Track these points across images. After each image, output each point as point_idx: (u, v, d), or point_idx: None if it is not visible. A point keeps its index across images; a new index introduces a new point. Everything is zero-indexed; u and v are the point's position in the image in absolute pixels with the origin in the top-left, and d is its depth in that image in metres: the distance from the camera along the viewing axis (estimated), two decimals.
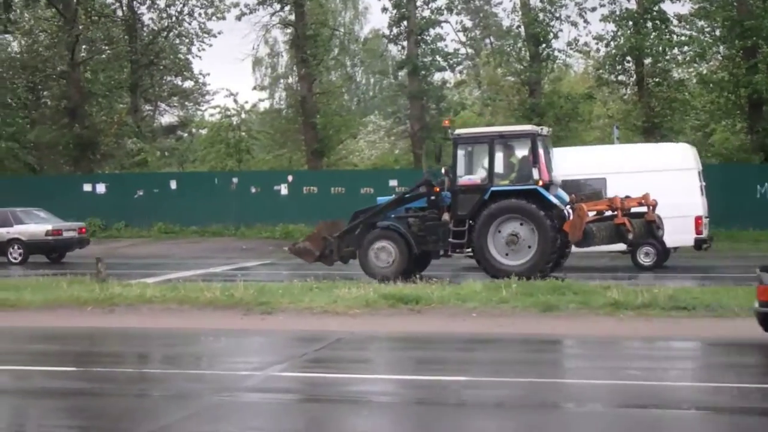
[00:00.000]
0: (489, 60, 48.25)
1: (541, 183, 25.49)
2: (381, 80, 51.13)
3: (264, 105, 59.54)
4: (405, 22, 45.41)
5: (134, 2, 54.50)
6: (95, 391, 14.25)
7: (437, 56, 45.70)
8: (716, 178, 35.91)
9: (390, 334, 18.86)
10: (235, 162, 51.86)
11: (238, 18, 48.84)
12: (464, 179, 26.38)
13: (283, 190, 42.72)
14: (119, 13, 55.34)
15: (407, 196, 27.77)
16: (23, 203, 43.19)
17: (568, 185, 27.31)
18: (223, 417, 12.44)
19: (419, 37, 45.44)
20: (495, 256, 25.60)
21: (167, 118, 65.09)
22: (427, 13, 45.71)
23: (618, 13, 43.66)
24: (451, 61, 46.37)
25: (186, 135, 67.04)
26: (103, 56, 56.02)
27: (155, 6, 54.38)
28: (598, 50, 46.70)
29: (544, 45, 44.79)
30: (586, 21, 44.50)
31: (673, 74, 47.25)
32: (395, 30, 45.94)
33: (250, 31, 60.08)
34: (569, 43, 45.41)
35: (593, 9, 44.36)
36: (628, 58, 44.62)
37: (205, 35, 55.66)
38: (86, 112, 53.45)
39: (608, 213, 25.73)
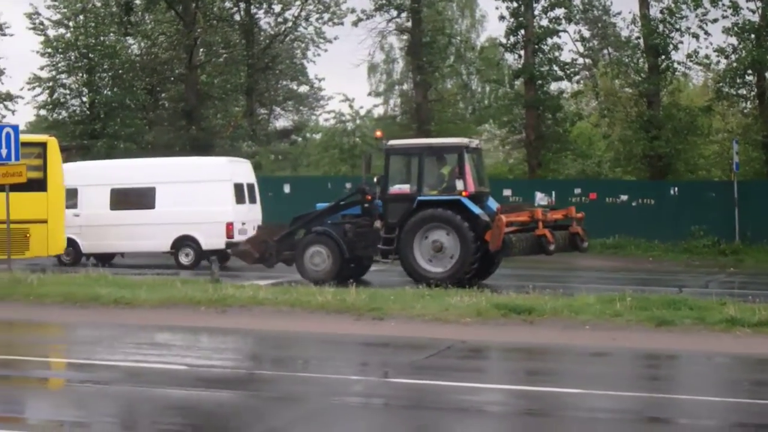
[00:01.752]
0: (607, 70, 47.75)
1: (465, 194, 26.56)
2: (497, 89, 50.89)
3: (378, 111, 59.73)
4: (522, 31, 45.14)
5: (252, 7, 54.96)
6: (204, 391, 14.32)
7: (554, 66, 45.38)
8: None
9: (501, 343, 18.71)
10: (349, 167, 51.98)
11: (355, 24, 49.04)
12: (395, 188, 27.65)
13: None
14: (237, 17, 55.83)
15: (342, 203, 29.00)
16: None
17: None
18: (331, 421, 12.40)
19: (536, 47, 45.14)
20: (420, 262, 26.69)
21: (282, 122, 65.62)
22: (545, 22, 45.43)
23: (740, 25, 42.87)
24: (569, 71, 45.97)
25: (300, 139, 67.41)
26: (220, 60, 56.55)
27: (272, 11, 54.85)
28: (718, 63, 45.97)
29: (663, 56, 44.19)
30: (707, 33, 43.77)
31: None
32: (512, 39, 45.68)
33: (366, 36, 60.12)
34: (689, 55, 44.70)
35: (714, 20, 43.64)
36: (749, 71, 43.82)
37: (321, 40, 56.01)
38: (202, 114, 54.02)
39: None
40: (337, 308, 21.12)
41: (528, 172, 46.73)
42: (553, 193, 41.73)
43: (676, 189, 41.60)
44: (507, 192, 41.73)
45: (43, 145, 28.49)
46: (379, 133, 33.22)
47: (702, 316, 19.79)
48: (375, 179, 28.35)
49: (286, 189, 44.85)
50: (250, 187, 35.25)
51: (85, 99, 55.84)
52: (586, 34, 47.28)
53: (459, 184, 26.81)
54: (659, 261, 37.84)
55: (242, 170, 35.18)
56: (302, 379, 15.27)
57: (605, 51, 49.52)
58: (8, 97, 52.96)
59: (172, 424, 12.52)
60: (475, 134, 55.74)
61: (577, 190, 41.77)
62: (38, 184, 27.19)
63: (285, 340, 19.30)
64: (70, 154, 54.19)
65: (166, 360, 16.99)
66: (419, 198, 26.94)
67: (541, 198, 41.37)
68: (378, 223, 27.42)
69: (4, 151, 26.03)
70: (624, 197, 41.50)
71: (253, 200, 35.15)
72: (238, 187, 33.89)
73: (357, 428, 12.21)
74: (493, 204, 27.70)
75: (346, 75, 76.48)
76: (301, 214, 29.46)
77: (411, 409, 13.53)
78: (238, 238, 32.38)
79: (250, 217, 34.19)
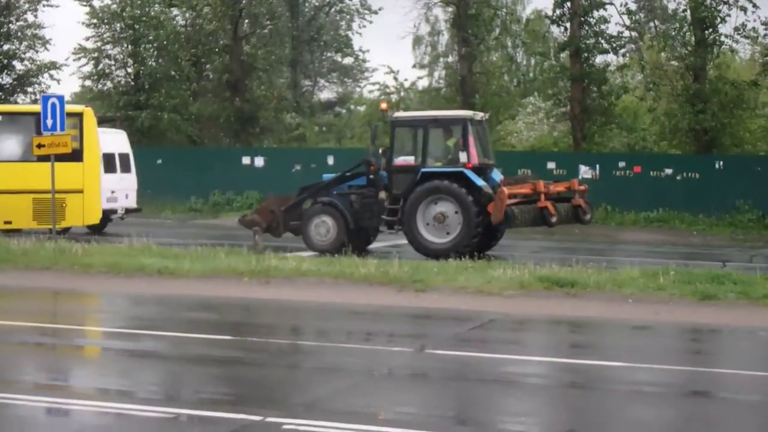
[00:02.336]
0: (653, 44, 47.37)
1: (469, 166, 26.72)
2: (542, 61, 50.57)
3: (423, 83, 59.61)
4: (568, 4, 44.86)
5: None
6: (250, 360, 14.42)
7: (600, 39, 45.08)
8: None
9: (544, 316, 18.69)
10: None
11: None
12: (399, 160, 27.83)
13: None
14: None
15: (347, 174, 29.05)
16: (184, 174, 44.10)
17: None
18: (374, 392, 12.46)
19: (582, 19, 44.86)
20: (423, 233, 26.92)
21: (326, 94, 65.70)
22: None
23: None
24: (615, 44, 45.58)
25: (344, 111, 67.43)
26: (265, 31, 56.62)
27: None
28: (766, 36, 45.51)
29: (710, 29, 43.81)
30: (755, 6, 43.30)
31: None
32: (558, 11, 45.42)
33: (411, 8, 60.33)
34: (736, 29, 44.25)
35: None
36: None
37: (366, 12, 56.02)
38: (247, 86, 54.13)
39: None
40: (380, 280, 21.13)
41: (573, 146, 46.52)
42: (598, 166, 41.59)
43: (722, 163, 41.31)
44: (551, 165, 41.62)
45: (80, 116, 28.65)
46: (384, 106, 33.29)
47: (746, 290, 19.67)
48: (380, 151, 28.51)
49: (330, 161, 44.83)
50: (123, 156, 35.83)
51: (129, 70, 56.03)
52: (633, 6, 46.89)
53: (462, 156, 27.01)
54: (703, 235, 37.65)
55: (114, 140, 35.55)
56: (345, 350, 15.31)
57: (652, 24, 49.23)
58: (53, 66, 53.26)
59: (215, 393, 12.61)
60: (520, 107, 55.63)
61: (622, 164, 41.60)
62: (74, 155, 27.33)
63: (328, 311, 19.35)
64: (114, 125, 54.60)
65: (210, 330, 17.09)
66: (423, 170, 27.15)
67: (585, 171, 41.24)
68: (383, 194, 27.64)
69: (50, 122, 26.21)
70: (669, 171, 41.27)
71: (126, 169, 35.74)
72: (108, 157, 34.00)
73: (399, 400, 12.24)
74: (497, 176, 27.88)
75: (391, 47, 76.55)
76: (308, 185, 29.86)
77: (453, 381, 13.55)
78: (106, 205, 32.87)
79: (121, 186, 34.95)
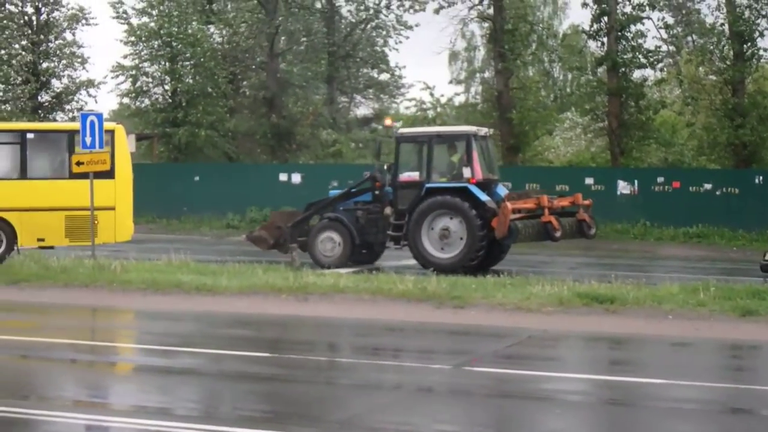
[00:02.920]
0: (691, 58, 47.18)
1: (473, 181, 26.95)
2: (579, 76, 50.39)
3: (459, 99, 59.51)
4: (605, 18, 44.72)
5: None
6: (288, 377, 14.39)
7: (638, 53, 44.90)
8: None
9: (583, 333, 18.59)
10: None
11: (437, 11, 48.86)
12: (404, 175, 28.05)
13: None
14: (318, 5, 55.98)
15: (353, 190, 29.20)
16: (221, 190, 44.18)
17: None
18: (412, 409, 12.40)
19: (620, 34, 44.69)
20: (427, 248, 27.07)
21: (362, 110, 65.64)
22: (628, 9, 44.92)
23: None
24: (652, 59, 45.38)
25: (380, 127, 67.43)
26: (302, 47, 56.76)
27: None
28: None
29: (748, 43, 43.59)
30: None
31: None
32: (595, 26, 45.28)
33: (447, 24, 60.10)
34: None
35: None
36: None
37: (402, 28, 55.97)
38: (283, 102, 54.24)
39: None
40: (418, 296, 21.09)
41: (610, 161, 46.35)
42: (636, 181, 41.39)
43: (761, 177, 40.97)
44: (589, 180, 41.42)
45: (111, 133, 28.72)
46: (388, 122, 35.32)
47: None
48: (385, 166, 28.73)
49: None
50: None
51: (167, 87, 56.26)
52: (670, 21, 46.65)
53: (466, 172, 27.12)
54: (743, 250, 37.35)
55: None
56: (383, 367, 15.28)
57: (689, 38, 48.88)
58: (91, 84, 53.55)
59: (253, 410, 12.59)
60: (558, 122, 55.44)
61: (660, 179, 41.36)
62: (106, 172, 27.41)
63: (366, 328, 19.32)
64: (152, 142, 54.85)
65: (248, 347, 17.07)
66: (427, 185, 27.32)
67: (623, 186, 41.06)
68: (388, 210, 27.81)
69: (88, 139, 26.31)
70: (708, 186, 40.98)
71: None
72: None
73: (437, 417, 12.18)
74: (502, 191, 28.04)
75: (427, 63, 76.39)
76: (314, 201, 30.00)
77: (492, 397, 13.49)
78: None
79: None
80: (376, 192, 28.39)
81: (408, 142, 28.86)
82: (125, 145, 29.92)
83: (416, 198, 27.31)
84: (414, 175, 27.97)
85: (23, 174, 29.05)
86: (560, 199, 28.53)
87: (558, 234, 27.01)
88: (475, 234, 26.49)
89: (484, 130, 29.10)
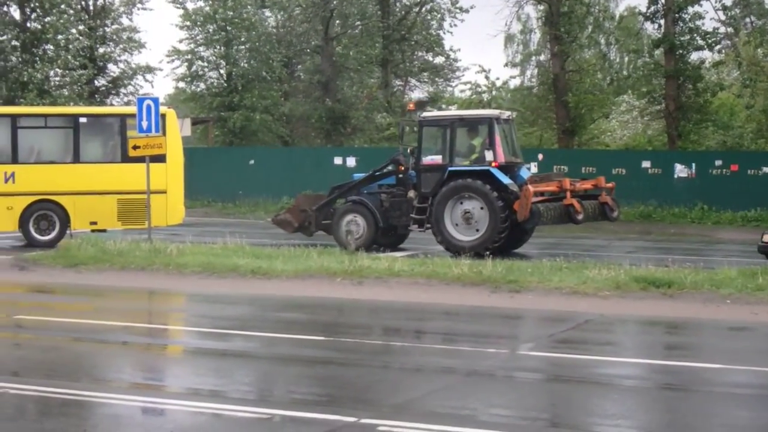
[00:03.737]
0: (749, 40, 46.69)
1: (495, 164, 26.99)
2: (635, 59, 50.01)
3: (515, 82, 59.26)
4: (662, 0, 44.35)
5: None
6: (342, 361, 14.35)
7: (695, 35, 44.49)
8: None
9: (640, 317, 18.43)
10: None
11: None
12: (427, 159, 28.24)
13: (533, 167, 42.42)
14: None
15: (377, 173, 29.46)
16: (276, 174, 44.25)
17: None
18: (468, 394, 12.32)
19: (677, 15, 44.28)
20: (450, 231, 27.20)
21: (417, 94, 65.46)
22: None
23: None
24: (710, 41, 44.96)
25: (435, 111, 67.26)
26: (356, 31, 56.70)
27: None
28: None
29: None
30: None
31: None
32: (652, 7, 44.89)
33: (503, 6, 59.90)
34: None
35: None
36: None
37: (457, 11, 55.79)
38: (338, 86, 54.23)
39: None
40: (473, 280, 21.01)
41: (667, 144, 45.97)
42: (694, 165, 41.01)
43: None
44: (646, 164, 41.12)
45: (163, 117, 28.87)
46: (411, 106, 35.73)
47: None
48: (409, 150, 28.82)
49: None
50: None
51: (222, 71, 56.50)
52: (728, 2, 46.11)
53: (488, 155, 27.18)
54: None
55: None
56: (438, 351, 15.24)
57: (748, 19, 48.32)
58: (148, 69, 53.78)
59: (309, 394, 12.56)
60: (614, 105, 55.07)
61: (718, 162, 40.96)
62: (158, 156, 27.56)
63: (421, 312, 19.27)
64: (207, 126, 55.07)
65: (303, 330, 17.07)
66: (449, 168, 27.47)
67: (680, 170, 40.73)
68: (412, 193, 27.98)
69: (144, 123, 26.44)
70: (766, 169, 40.55)
71: None
72: None
73: (494, 401, 12.11)
74: (525, 174, 28.13)
75: (482, 46, 76.10)
76: (339, 184, 30.26)
77: (548, 382, 13.42)
78: None
79: None
80: (400, 175, 28.61)
81: (431, 125, 29.01)
82: (176, 129, 30.14)
83: (439, 181, 27.43)
84: (437, 159, 28.09)
85: (76, 158, 29.31)
86: (583, 182, 28.79)
87: (580, 217, 27.08)
88: (498, 217, 26.54)
89: (506, 114, 29.25)
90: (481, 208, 26.87)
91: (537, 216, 26.21)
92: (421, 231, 28.21)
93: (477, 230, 26.95)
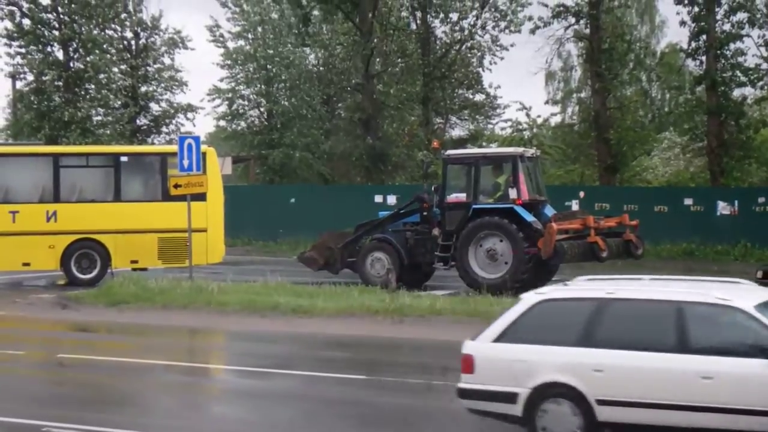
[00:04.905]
0: None
1: (518, 202, 26.87)
2: (677, 95, 49.71)
3: (556, 119, 59.10)
4: (704, 36, 44.09)
5: (428, 16, 55.01)
6: (383, 400, 14.26)
7: (737, 71, 44.22)
8: None
9: None
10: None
11: (532, 32, 48.47)
12: (452, 197, 28.11)
13: (574, 205, 42.20)
14: (413, 26, 55.95)
15: (402, 211, 29.80)
16: (317, 211, 44.25)
17: None
18: None
19: (719, 52, 44.02)
20: (474, 269, 27.02)
21: (458, 131, 65.41)
22: (727, 27, 44.21)
23: None
24: (752, 77, 44.65)
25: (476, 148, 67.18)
26: (397, 69, 56.78)
27: (448, 19, 54.73)
28: None
29: None
30: None
31: None
32: (694, 44, 44.64)
33: (543, 44, 59.42)
34: None
35: None
36: None
37: (497, 48, 55.75)
38: (379, 124, 54.30)
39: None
40: None
41: (710, 181, 45.68)
42: (736, 202, 40.66)
43: None
44: (688, 201, 40.78)
45: (203, 155, 28.97)
46: (436, 144, 35.41)
47: None
48: (433, 188, 28.85)
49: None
50: None
51: (262, 109, 56.73)
52: None
53: (512, 193, 27.08)
54: None
55: None
56: None
57: None
58: (189, 108, 53.99)
59: (348, 429, 12.47)
60: (656, 142, 54.81)
61: (761, 199, 40.57)
62: (198, 194, 27.62)
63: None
64: (248, 164, 55.24)
65: (344, 369, 17.00)
66: (474, 206, 27.31)
67: (723, 207, 40.41)
68: (436, 231, 27.88)
69: (185, 162, 26.49)
70: None
71: None
72: None
73: None
74: (549, 211, 27.91)
75: (523, 83, 75.97)
76: (364, 222, 30.24)
77: None
78: None
79: None
80: (424, 213, 28.55)
81: (455, 163, 28.98)
82: (216, 167, 30.24)
83: (463, 219, 27.31)
84: (461, 197, 28.04)
85: (117, 196, 29.44)
86: (607, 219, 28.61)
87: (604, 254, 26.98)
88: (521, 254, 26.46)
89: (531, 151, 29.23)
90: (505, 246, 26.79)
91: (561, 253, 26.12)
92: (445, 269, 28.13)
93: (501, 268, 26.82)
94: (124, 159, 30.04)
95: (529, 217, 26.84)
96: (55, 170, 29.22)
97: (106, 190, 29.85)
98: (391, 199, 44.50)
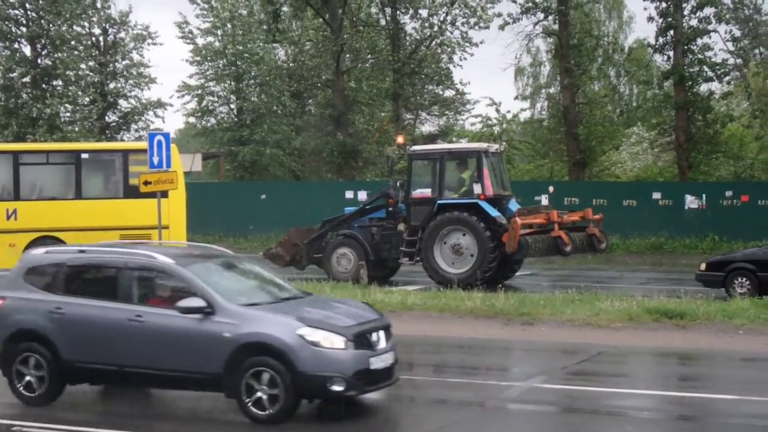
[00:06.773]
0: (758, 71, 46.74)
1: (483, 197, 27.00)
2: (645, 90, 50.01)
3: (525, 115, 59.34)
4: (671, 32, 44.36)
5: (398, 12, 55.11)
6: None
7: (704, 66, 44.51)
8: None
9: (653, 348, 18.41)
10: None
11: (501, 27, 48.59)
12: (417, 192, 28.37)
13: (544, 200, 42.37)
14: (383, 22, 56.04)
15: (367, 207, 29.83)
16: (287, 208, 44.31)
17: None
18: (483, 426, 12.37)
19: (686, 47, 44.29)
20: (440, 264, 27.23)
21: (428, 127, 65.58)
22: (694, 22, 44.50)
23: None
24: (719, 72, 44.96)
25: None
26: (367, 65, 56.85)
27: (418, 16, 54.86)
28: None
29: None
30: None
31: None
32: (661, 39, 44.91)
33: (513, 40, 59.65)
34: None
35: None
36: None
37: (467, 44, 55.88)
38: (349, 120, 54.35)
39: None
40: (486, 313, 21.02)
41: (678, 175, 45.96)
42: (704, 196, 40.95)
43: None
44: (656, 195, 41.04)
45: None
46: (400, 140, 36.00)
47: None
48: (398, 183, 28.89)
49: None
50: None
51: (232, 106, 56.74)
52: (737, 33, 46.18)
53: (477, 188, 27.23)
54: None
55: None
56: (453, 384, 15.23)
57: (757, 50, 48.44)
58: (159, 104, 53.87)
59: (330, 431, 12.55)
60: (624, 137, 55.10)
61: (729, 193, 40.88)
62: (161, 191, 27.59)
63: (434, 345, 19.26)
64: (218, 161, 55.23)
65: None
66: (438, 201, 27.48)
67: (691, 201, 40.68)
68: (401, 226, 28.06)
69: (156, 159, 26.42)
70: None
71: None
72: None
73: None
74: (514, 206, 28.12)
75: (493, 79, 76.15)
76: (330, 218, 30.35)
77: (564, 414, 13.44)
78: None
79: None
80: (390, 209, 28.63)
81: (420, 159, 29.15)
82: (179, 164, 30.19)
83: (428, 214, 27.46)
84: (426, 192, 28.20)
85: (78, 194, 29.37)
86: (570, 213, 28.91)
87: (568, 249, 27.12)
88: (486, 249, 26.60)
89: (495, 147, 29.48)
90: (470, 241, 26.91)
91: (525, 248, 26.26)
92: (411, 264, 28.29)
93: (466, 263, 26.97)
94: (85, 156, 29.92)
95: (494, 212, 27.01)
96: (14, 168, 29.06)
97: (67, 187, 29.74)
98: (362, 195, 44.56)
